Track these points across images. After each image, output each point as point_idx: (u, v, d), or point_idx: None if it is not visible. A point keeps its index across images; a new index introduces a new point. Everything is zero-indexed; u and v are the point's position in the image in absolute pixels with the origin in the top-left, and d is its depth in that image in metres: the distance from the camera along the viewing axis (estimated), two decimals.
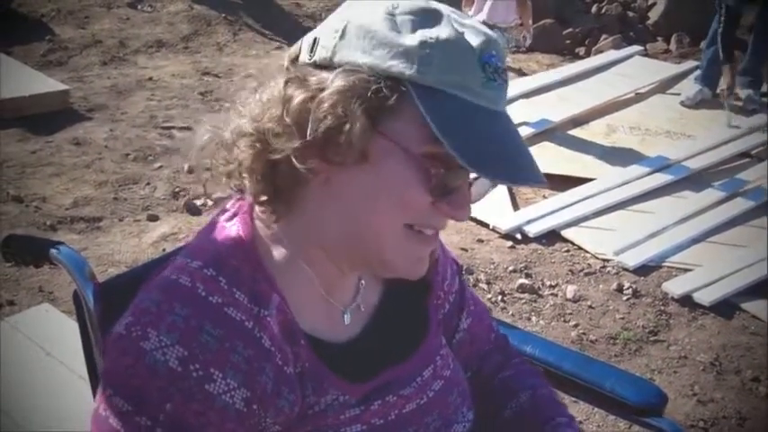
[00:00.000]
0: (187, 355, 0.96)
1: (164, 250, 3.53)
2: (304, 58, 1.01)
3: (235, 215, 1.10)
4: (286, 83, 0.99)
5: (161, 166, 4.47)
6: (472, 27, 0.99)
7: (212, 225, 1.11)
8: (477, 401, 1.31)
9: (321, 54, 0.99)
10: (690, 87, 5.62)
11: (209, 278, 1.02)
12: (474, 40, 0.97)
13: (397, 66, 0.94)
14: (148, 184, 4.30)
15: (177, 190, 4.24)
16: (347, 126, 0.94)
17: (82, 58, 5.95)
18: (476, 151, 0.94)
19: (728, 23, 5.23)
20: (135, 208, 4.08)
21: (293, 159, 0.98)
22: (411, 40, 0.95)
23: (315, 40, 1.01)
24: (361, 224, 1.01)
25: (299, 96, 0.97)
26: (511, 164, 0.97)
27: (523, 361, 1.40)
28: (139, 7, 6.90)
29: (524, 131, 4.86)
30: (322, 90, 0.96)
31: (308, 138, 0.96)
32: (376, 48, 0.96)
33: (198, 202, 4.09)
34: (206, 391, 0.96)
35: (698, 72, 5.66)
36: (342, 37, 0.98)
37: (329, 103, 0.95)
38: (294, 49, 1.04)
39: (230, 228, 1.08)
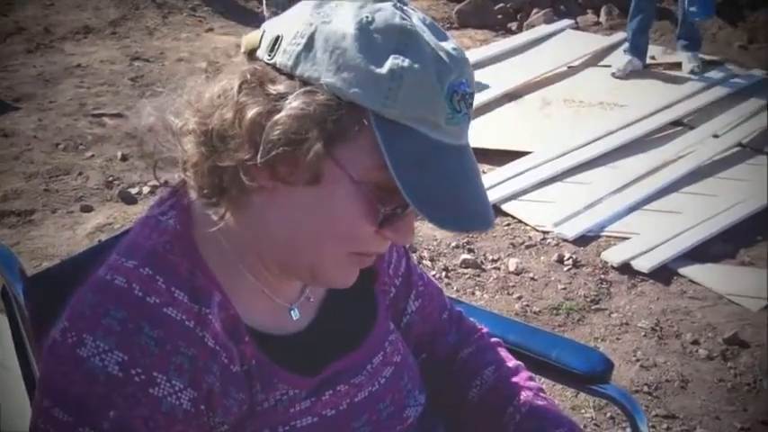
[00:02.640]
0: (127, 360, 0.92)
1: (99, 241, 3.46)
2: (263, 55, 0.94)
3: (171, 207, 1.05)
4: (241, 86, 0.93)
5: (93, 155, 4.38)
6: (445, 51, 0.93)
7: (147, 219, 1.06)
8: (441, 383, 1.30)
9: (282, 59, 0.92)
10: (620, 59, 5.67)
11: (145, 278, 0.98)
12: (446, 67, 0.91)
13: (362, 95, 0.88)
14: (80, 173, 4.21)
15: (111, 179, 4.15)
16: (301, 150, 0.89)
17: (5, 47, 5.78)
18: (428, 196, 0.90)
19: None
20: (68, 199, 3.99)
21: (241, 174, 0.93)
22: (381, 67, 0.88)
23: (277, 39, 0.93)
24: (299, 241, 0.98)
25: (253, 109, 0.90)
26: (461, 209, 0.93)
27: (482, 335, 1.39)
28: None
29: None
30: (278, 107, 0.90)
31: (259, 159, 0.90)
32: (342, 69, 0.89)
33: (133, 191, 4.02)
34: (150, 395, 0.93)
35: (626, 44, 5.72)
36: (307, 47, 0.91)
37: (285, 127, 0.89)
38: (253, 38, 0.97)
39: (166, 221, 1.03)
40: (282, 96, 0.90)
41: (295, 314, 1.11)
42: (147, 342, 0.94)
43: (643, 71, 5.65)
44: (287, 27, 0.94)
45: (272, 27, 0.96)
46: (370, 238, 0.97)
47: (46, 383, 0.96)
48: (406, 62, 0.89)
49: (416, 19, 0.94)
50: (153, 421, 0.93)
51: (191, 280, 0.99)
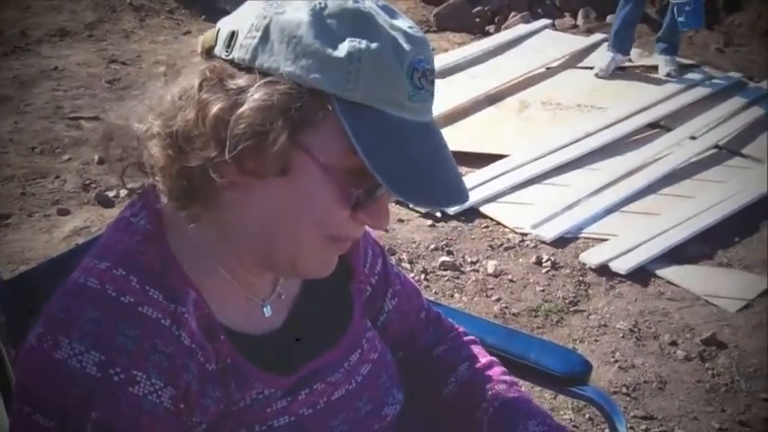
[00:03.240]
0: (104, 360, 0.92)
1: (76, 245, 3.44)
2: (220, 51, 0.95)
3: (143, 208, 1.04)
4: (201, 84, 0.93)
5: (70, 158, 4.35)
6: (401, 30, 0.93)
7: (119, 221, 1.05)
8: (417, 380, 1.30)
9: (239, 54, 0.92)
10: (602, 58, 5.69)
11: (118, 278, 0.97)
12: (404, 46, 0.92)
13: (322, 80, 0.89)
14: (57, 177, 4.18)
15: (88, 182, 4.12)
16: (268, 142, 0.89)
17: None
18: (400, 175, 0.90)
19: None
20: (44, 202, 3.96)
21: (210, 171, 0.93)
22: (338, 50, 0.89)
23: (233, 34, 0.94)
24: (277, 235, 0.98)
25: (216, 105, 0.90)
26: (434, 187, 0.94)
27: (459, 334, 1.39)
28: None
29: (438, 111, 4.87)
30: (240, 101, 0.90)
31: (227, 155, 0.90)
32: (300, 57, 0.89)
33: (110, 194, 3.99)
34: (131, 394, 0.92)
35: (610, 40, 5.73)
36: (263, 39, 0.91)
37: (249, 120, 0.89)
38: (209, 37, 0.98)
39: (138, 222, 1.03)
40: (243, 90, 0.90)
41: (267, 311, 1.11)
42: (124, 341, 0.93)
43: (620, 73, 5.67)
44: (241, 22, 0.94)
45: (226, 24, 0.97)
46: (345, 222, 0.98)
47: (24, 389, 0.95)
48: (363, 44, 0.90)
49: (369, 1, 0.95)
50: (135, 420, 0.92)
51: (164, 279, 0.99)
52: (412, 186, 0.91)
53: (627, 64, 5.76)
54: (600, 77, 5.59)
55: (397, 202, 4.00)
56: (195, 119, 0.92)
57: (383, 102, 0.91)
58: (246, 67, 0.92)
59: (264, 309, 1.11)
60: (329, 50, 0.89)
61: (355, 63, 0.89)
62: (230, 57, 0.93)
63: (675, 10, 5.46)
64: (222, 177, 0.93)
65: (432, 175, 0.94)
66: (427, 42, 0.96)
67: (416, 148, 0.93)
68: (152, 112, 0.97)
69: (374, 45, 0.90)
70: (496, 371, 1.33)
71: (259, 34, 0.92)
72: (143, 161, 1.00)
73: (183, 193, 0.97)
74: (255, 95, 0.89)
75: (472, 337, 1.40)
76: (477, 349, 1.37)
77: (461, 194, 0.96)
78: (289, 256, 1.00)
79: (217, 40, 0.96)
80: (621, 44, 5.64)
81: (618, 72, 5.65)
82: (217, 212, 0.99)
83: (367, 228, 1.29)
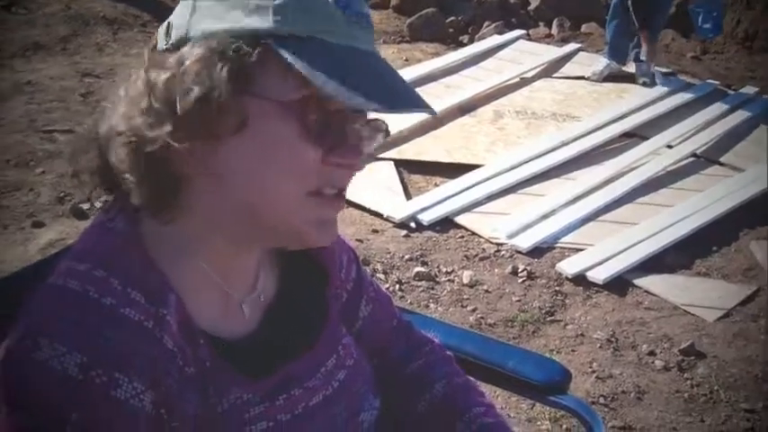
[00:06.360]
0: (86, 361, 0.89)
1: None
2: (161, 45, 0.97)
3: (118, 212, 1.03)
4: (147, 71, 0.94)
5: (44, 172, 4.31)
6: None
7: (95, 225, 1.04)
8: (389, 395, 1.29)
9: (177, 35, 0.94)
10: (597, 63, 5.75)
11: (99, 279, 0.95)
12: None
13: (253, 22, 0.91)
14: (32, 189, 4.14)
15: (62, 195, 4.09)
16: (216, 92, 0.90)
17: None
18: (351, 84, 0.90)
19: None
20: (19, 215, 3.93)
21: (171, 142, 0.92)
22: None
23: (168, 24, 0.96)
24: (258, 201, 0.96)
25: (161, 77, 0.92)
26: (392, 93, 0.94)
27: (434, 349, 1.38)
28: (14, 10, 6.64)
29: (412, 121, 4.86)
30: (183, 65, 0.91)
31: (179, 113, 0.90)
32: (228, 11, 0.92)
33: (85, 206, 3.96)
34: (113, 398, 0.90)
35: (605, 48, 5.83)
36: (193, 13, 0.94)
37: (192, 73, 0.90)
38: (152, 41, 1.00)
39: (115, 225, 1.01)
40: (183, 57, 0.92)
41: (246, 309, 1.09)
42: (107, 343, 0.91)
43: (596, 83, 5.71)
44: (174, 15, 0.98)
45: (163, 24, 0.99)
46: (319, 167, 0.96)
47: (2, 391, 0.93)
48: None
49: None
50: (114, 424, 0.91)
51: (145, 281, 0.98)
52: (364, 91, 0.90)
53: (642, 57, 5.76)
54: (593, 81, 5.67)
55: (371, 212, 3.99)
56: (148, 103, 0.93)
57: (319, 32, 0.92)
58: (183, 41, 0.94)
59: (244, 306, 1.10)
60: None
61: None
62: (170, 43, 0.95)
63: (701, 18, 5.55)
64: (184, 144, 0.92)
65: (385, 84, 0.94)
66: None
67: (364, 65, 0.94)
68: (114, 115, 0.98)
69: None
70: (474, 392, 1.32)
71: (189, 11, 0.95)
72: (110, 169, 0.99)
73: (154, 192, 0.96)
74: (194, 51, 0.91)
75: (449, 353, 1.39)
76: (453, 367, 1.36)
77: (422, 102, 0.96)
78: (277, 223, 0.98)
79: (157, 39, 0.98)
80: (616, 54, 5.72)
81: (617, 73, 5.74)
82: (191, 208, 0.98)
83: (341, 235, 1.28)
